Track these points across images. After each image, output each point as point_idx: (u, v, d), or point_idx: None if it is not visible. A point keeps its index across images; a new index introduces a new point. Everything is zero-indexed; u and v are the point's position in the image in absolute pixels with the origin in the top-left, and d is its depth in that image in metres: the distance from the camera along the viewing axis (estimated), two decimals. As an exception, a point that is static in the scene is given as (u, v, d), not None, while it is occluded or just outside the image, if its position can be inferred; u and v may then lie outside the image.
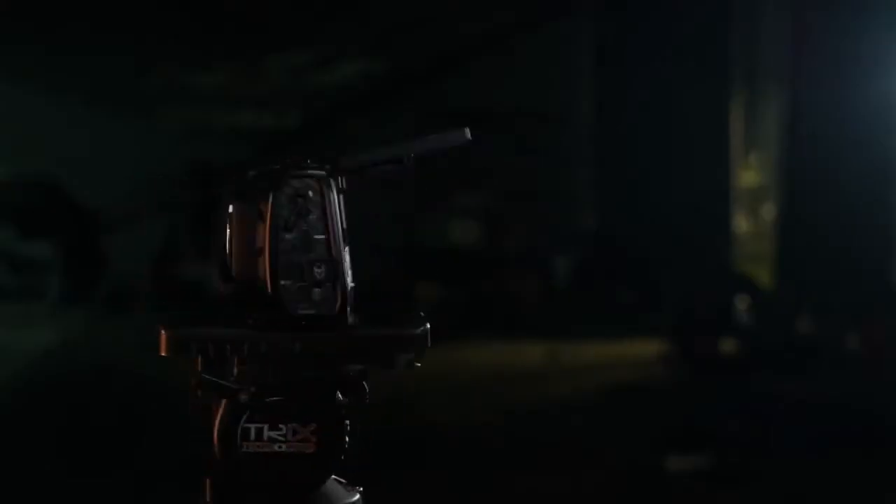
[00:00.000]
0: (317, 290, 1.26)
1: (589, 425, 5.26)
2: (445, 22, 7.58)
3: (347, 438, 1.28)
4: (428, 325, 1.27)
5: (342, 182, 1.28)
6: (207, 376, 1.27)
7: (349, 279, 1.28)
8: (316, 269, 1.27)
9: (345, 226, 1.28)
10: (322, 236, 1.26)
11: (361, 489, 1.33)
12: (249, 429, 1.24)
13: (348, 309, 1.27)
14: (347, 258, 1.29)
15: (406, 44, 7.60)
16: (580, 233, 7.86)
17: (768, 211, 7.04)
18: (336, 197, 1.27)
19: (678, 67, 6.92)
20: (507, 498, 4.20)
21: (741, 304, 6.57)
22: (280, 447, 1.26)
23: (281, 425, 1.26)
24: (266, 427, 1.25)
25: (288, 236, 1.26)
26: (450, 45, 7.66)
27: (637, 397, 5.75)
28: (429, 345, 1.30)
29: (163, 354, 1.26)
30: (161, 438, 4.44)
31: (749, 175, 7.21)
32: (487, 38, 7.71)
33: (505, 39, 7.75)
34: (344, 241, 1.28)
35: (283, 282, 1.26)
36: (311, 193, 1.26)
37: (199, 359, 1.26)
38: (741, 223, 7.22)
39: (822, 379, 5.65)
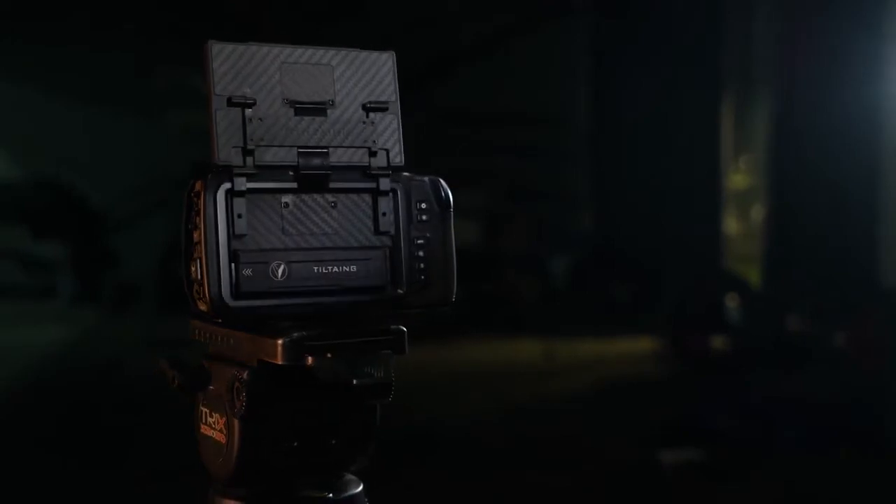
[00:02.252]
0: (197, 287, 1.24)
1: (584, 420, 5.31)
2: (445, 24, 7.57)
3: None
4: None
5: (240, 183, 1.22)
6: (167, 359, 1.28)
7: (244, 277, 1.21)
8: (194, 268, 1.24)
9: (233, 228, 1.22)
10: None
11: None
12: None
13: (216, 309, 1.21)
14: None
15: (406, 46, 7.55)
16: (576, 233, 7.86)
17: (757, 212, 7.08)
18: (214, 197, 1.21)
19: (672, 72, 6.95)
20: (503, 490, 4.22)
21: (731, 302, 6.63)
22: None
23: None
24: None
25: (194, 235, 1.24)
26: (450, 47, 7.64)
27: (631, 392, 5.82)
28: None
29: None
30: (167, 435, 4.47)
31: (739, 177, 7.21)
32: (487, 41, 7.70)
33: (504, 42, 7.74)
34: (218, 242, 1.21)
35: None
36: (201, 193, 1.22)
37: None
38: (731, 224, 7.26)
39: (810, 376, 5.69)
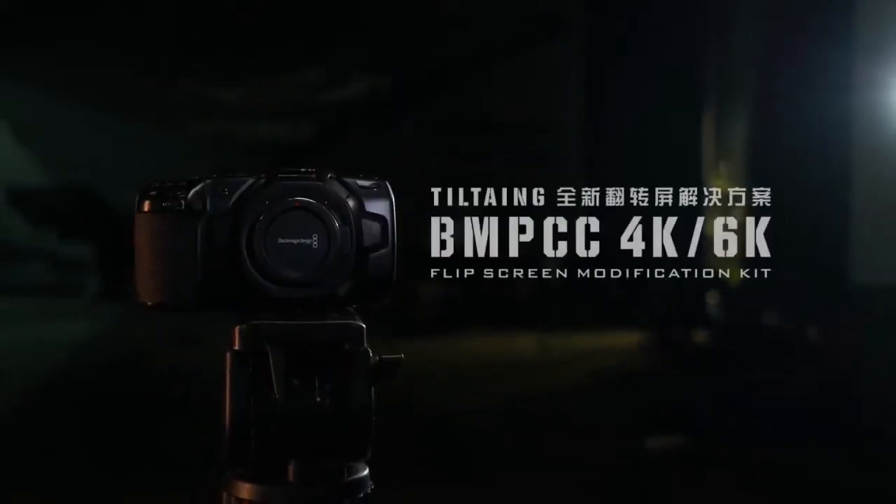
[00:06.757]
0: None
1: (575, 409, 5.68)
2: (446, 30, 7.75)
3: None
4: None
5: None
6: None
7: None
8: None
9: None
10: None
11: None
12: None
13: None
14: None
15: (411, 56, 7.71)
16: (571, 233, 8.03)
17: (738, 213, 6.94)
18: None
19: (660, 82, 7.17)
20: (501, 481, 4.61)
21: (712, 299, 6.87)
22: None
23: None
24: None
25: None
26: (450, 54, 7.81)
27: (620, 383, 6.12)
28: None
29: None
30: (187, 426, 4.67)
31: (720, 182, 7.40)
32: (487, 49, 7.89)
33: (503, 51, 7.93)
34: None
35: None
36: None
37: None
38: (713, 225, 7.45)
39: (789, 370, 5.94)
